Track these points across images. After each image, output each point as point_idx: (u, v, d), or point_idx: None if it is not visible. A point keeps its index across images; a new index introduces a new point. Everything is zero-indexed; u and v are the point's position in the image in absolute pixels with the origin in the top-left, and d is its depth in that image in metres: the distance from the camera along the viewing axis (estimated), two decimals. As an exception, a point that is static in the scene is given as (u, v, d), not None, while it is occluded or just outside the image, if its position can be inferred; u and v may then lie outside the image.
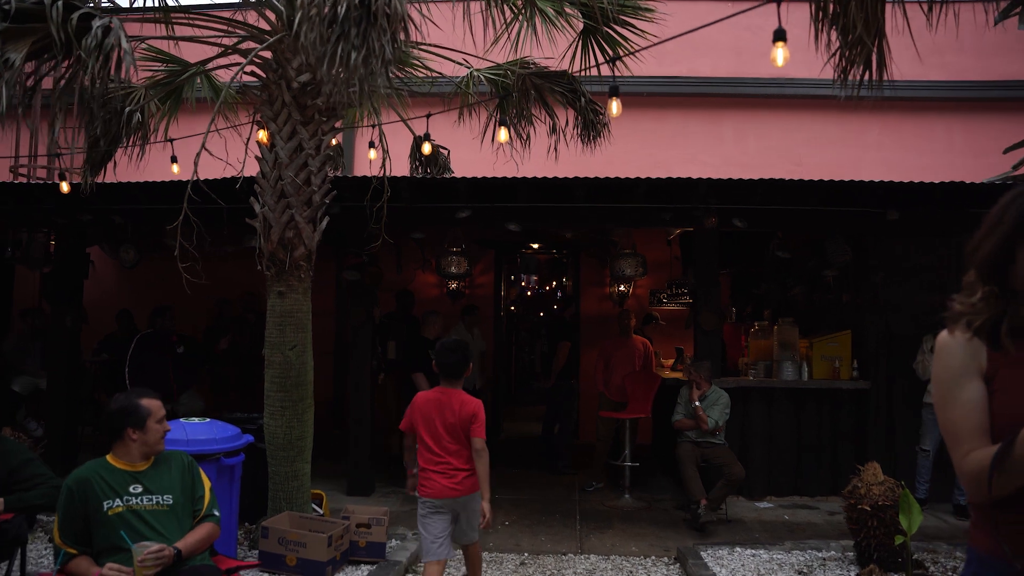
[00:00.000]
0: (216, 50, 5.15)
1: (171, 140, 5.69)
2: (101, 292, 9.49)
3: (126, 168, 6.74)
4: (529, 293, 14.03)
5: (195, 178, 4.28)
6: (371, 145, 5.33)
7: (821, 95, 9.02)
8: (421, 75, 5.77)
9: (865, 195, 6.11)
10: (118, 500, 2.94)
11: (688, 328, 8.01)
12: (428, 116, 5.67)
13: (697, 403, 5.91)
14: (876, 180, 5.69)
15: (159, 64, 5.78)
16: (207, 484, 3.23)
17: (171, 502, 3.03)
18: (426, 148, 5.05)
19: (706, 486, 5.94)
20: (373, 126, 5.65)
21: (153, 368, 7.06)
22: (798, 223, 6.67)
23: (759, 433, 6.80)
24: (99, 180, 5.42)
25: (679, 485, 6.07)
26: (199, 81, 5.88)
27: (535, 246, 10.00)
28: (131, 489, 2.98)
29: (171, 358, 7.24)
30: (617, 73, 5.25)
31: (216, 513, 3.19)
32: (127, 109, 5.32)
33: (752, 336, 7.39)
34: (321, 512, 5.25)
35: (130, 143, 5.61)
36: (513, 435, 10.22)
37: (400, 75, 5.70)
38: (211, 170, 5.26)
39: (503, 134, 5.24)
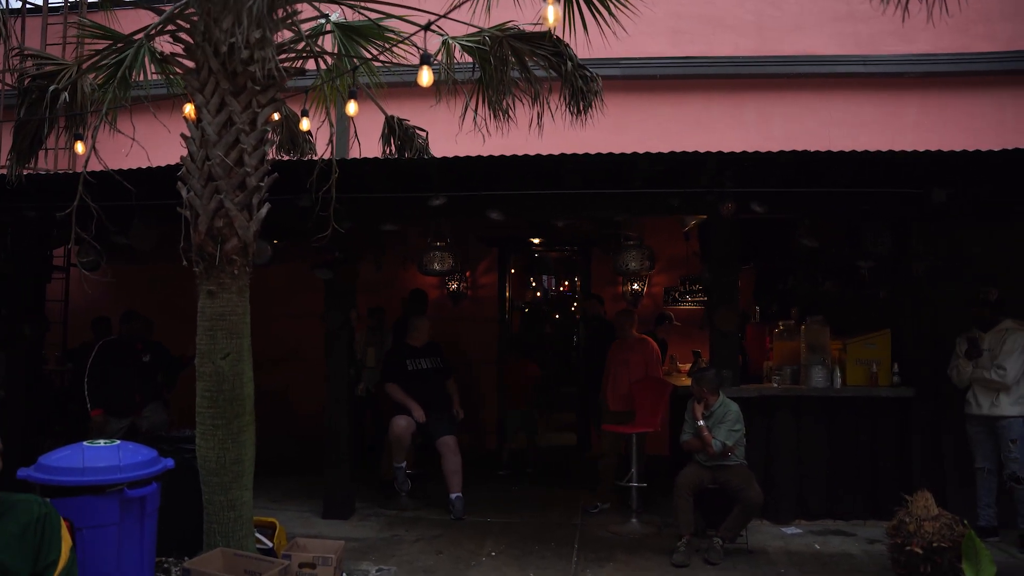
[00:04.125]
0: (155, 18, 4.50)
1: (110, 123, 5.03)
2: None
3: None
4: (539, 294, 13.38)
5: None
6: (304, 114, 4.62)
7: (852, 73, 8.29)
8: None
9: (907, 169, 5.26)
10: None
11: (704, 329, 7.19)
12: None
13: (701, 422, 5.09)
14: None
15: (99, 43, 5.15)
16: (66, 545, 2.46)
17: None
18: (351, 109, 4.26)
19: (723, 512, 5.15)
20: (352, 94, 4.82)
21: (115, 378, 6.43)
22: (828, 207, 5.82)
23: (785, 448, 5.95)
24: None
25: (697, 507, 5.29)
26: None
27: (536, 241, 9.25)
28: None
29: (135, 367, 6.61)
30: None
31: None
32: (51, 88, 4.70)
33: (777, 337, 6.55)
34: (270, 545, 4.55)
35: (61, 128, 5.02)
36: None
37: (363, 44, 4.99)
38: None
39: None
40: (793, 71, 8.32)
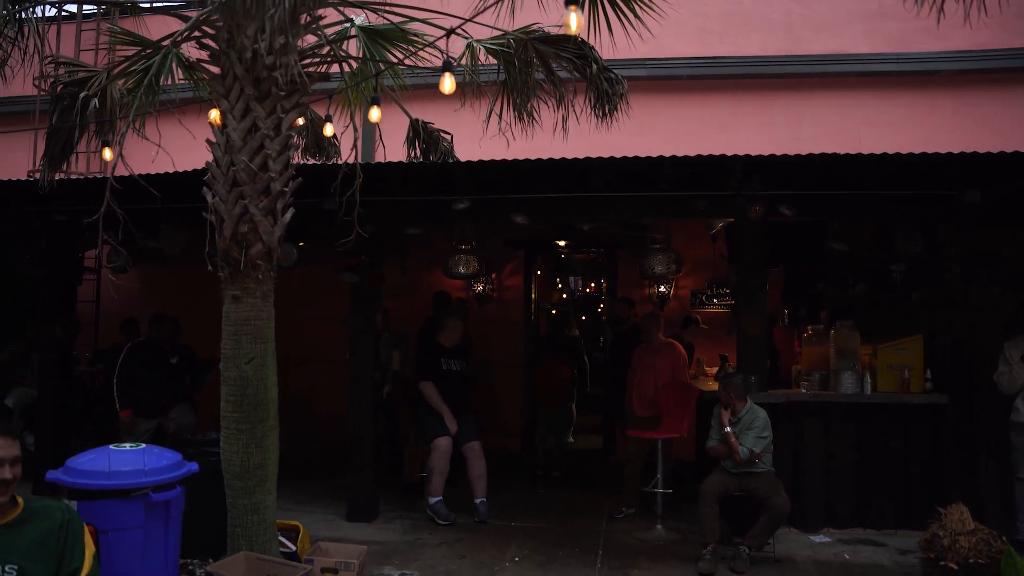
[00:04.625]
0: (182, 25, 4.54)
1: (137, 129, 5.08)
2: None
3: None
4: (565, 296, 13.33)
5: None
6: (328, 119, 4.63)
7: (884, 71, 8.11)
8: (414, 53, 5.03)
9: (941, 170, 5.15)
10: None
11: (730, 333, 7.10)
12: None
13: (728, 428, 5.02)
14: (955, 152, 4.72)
15: (129, 50, 5.21)
16: (89, 551, 2.51)
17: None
18: (374, 115, 4.25)
19: (750, 519, 5.08)
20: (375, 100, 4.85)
21: (143, 379, 6.51)
22: (858, 209, 5.72)
23: (814, 455, 5.85)
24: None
25: (723, 514, 5.22)
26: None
27: (561, 243, 9.21)
28: None
29: (163, 369, 6.69)
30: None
31: None
32: (82, 95, 4.76)
33: (805, 342, 6.44)
34: (294, 548, 4.56)
35: (92, 132, 5.08)
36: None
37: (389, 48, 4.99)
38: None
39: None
40: (822, 70, 8.15)
